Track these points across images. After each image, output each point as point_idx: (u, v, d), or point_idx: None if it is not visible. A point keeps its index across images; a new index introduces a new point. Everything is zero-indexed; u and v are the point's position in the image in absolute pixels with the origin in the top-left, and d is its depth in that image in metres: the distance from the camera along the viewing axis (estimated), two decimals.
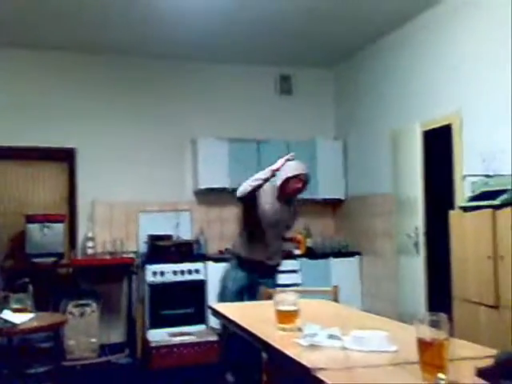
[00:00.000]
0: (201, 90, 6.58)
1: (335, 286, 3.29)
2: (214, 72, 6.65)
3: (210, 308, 3.05)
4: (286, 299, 2.29)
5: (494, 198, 3.50)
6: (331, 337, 1.93)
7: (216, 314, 2.91)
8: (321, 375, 1.56)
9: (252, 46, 6.12)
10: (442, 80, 5.00)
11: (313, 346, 1.90)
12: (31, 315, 3.37)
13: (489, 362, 1.44)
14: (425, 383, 1.49)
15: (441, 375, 1.47)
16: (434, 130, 5.04)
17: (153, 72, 6.44)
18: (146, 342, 5.38)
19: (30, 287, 3.68)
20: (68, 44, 5.89)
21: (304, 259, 6.17)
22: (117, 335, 5.96)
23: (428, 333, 1.59)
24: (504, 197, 3.43)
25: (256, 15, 5.23)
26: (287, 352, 1.86)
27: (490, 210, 3.47)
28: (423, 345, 1.55)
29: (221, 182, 6.22)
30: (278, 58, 6.60)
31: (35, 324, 3.31)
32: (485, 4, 4.43)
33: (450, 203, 4.58)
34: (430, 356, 1.52)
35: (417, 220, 5.00)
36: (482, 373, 1.42)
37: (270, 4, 4.97)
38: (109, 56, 6.24)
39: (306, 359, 1.72)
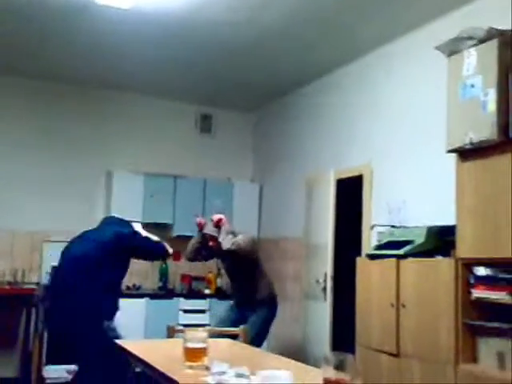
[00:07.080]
0: (119, 120, 6.51)
1: (244, 328, 3.32)
2: (135, 102, 6.60)
3: (116, 345, 2.95)
4: (195, 336, 2.27)
5: (398, 248, 3.66)
6: (239, 375, 1.94)
7: (122, 351, 2.81)
8: None
9: (175, 82, 6.18)
10: (356, 131, 5.26)
11: None
12: None
13: None
14: None
15: None
16: (347, 179, 5.27)
17: (68, 98, 6.28)
18: (41, 378, 5.07)
19: None
20: None
21: (214, 299, 6.13)
22: (10, 370, 5.61)
23: (334, 374, 1.62)
24: (408, 248, 3.60)
25: (178, 54, 5.31)
26: None
27: (394, 260, 3.62)
28: None
29: (134, 217, 6.08)
30: (201, 97, 6.70)
31: None
32: (396, 63, 4.78)
33: (358, 251, 4.75)
34: None
35: (326, 266, 5.13)
36: None
37: (193, 44, 5.06)
38: (18, 79, 6.02)
39: None
